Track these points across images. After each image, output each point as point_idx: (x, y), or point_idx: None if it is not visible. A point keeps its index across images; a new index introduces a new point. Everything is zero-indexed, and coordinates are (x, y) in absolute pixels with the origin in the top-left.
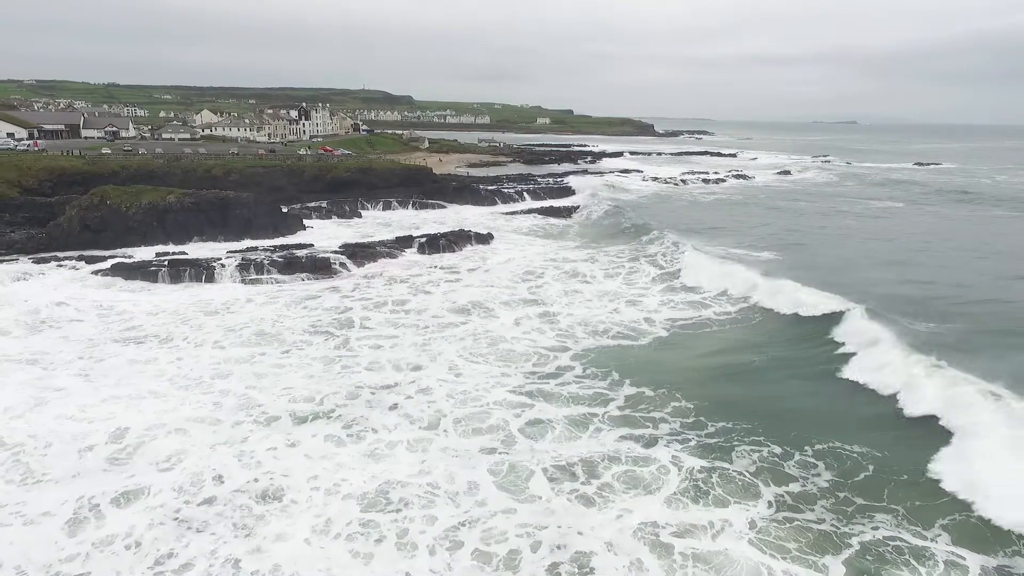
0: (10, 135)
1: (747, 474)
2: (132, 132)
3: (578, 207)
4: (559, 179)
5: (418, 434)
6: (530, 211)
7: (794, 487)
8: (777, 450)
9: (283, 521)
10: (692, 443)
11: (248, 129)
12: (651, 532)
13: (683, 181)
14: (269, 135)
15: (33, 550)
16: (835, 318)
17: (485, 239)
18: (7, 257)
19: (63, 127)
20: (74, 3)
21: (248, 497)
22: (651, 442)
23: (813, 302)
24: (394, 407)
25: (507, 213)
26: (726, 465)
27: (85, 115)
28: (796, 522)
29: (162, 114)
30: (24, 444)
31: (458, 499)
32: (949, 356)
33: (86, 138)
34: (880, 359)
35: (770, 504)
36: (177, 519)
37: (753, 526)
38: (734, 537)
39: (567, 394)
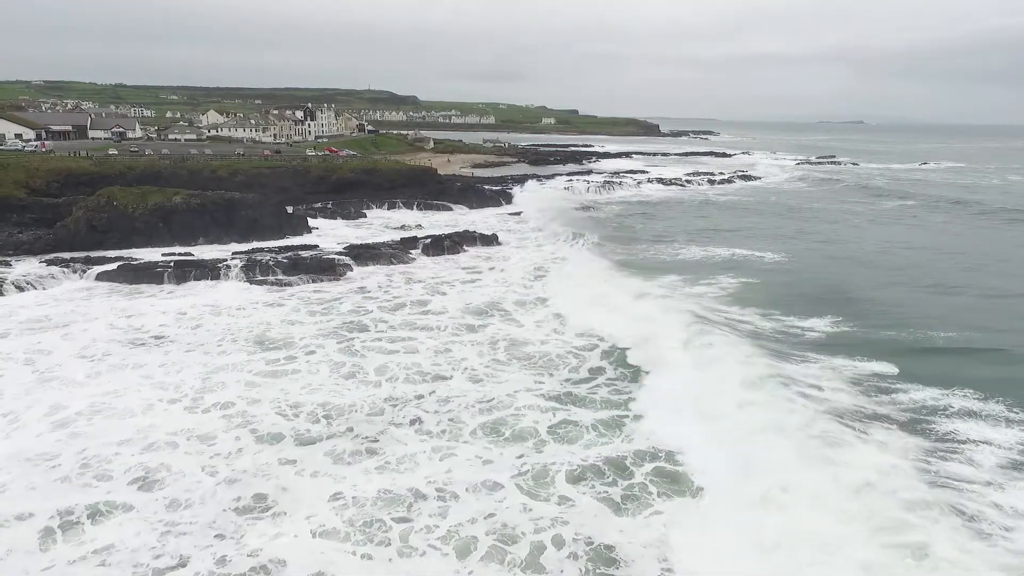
0: (18, 136)
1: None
2: (139, 133)
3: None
4: (568, 179)
5: (439, 442)
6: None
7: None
8: None
9: (286, 522)
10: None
11: (254, 130)
12: None
13: (688, 182)
14: (275, 136)
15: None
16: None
17: (491, 240)
18: (14, 257)
19: (70, 128)
20: (79, 4)
21: (242, 505)
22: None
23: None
24: (415, 421)
25: (513, 214)
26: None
27: (92, 116)
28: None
29: (168, 115)
30: (5, 452)
31: (477, 496)
32: None
33: (93, 139)
34: None
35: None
36: (167, 527)
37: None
38: None
39: (599, 398)
